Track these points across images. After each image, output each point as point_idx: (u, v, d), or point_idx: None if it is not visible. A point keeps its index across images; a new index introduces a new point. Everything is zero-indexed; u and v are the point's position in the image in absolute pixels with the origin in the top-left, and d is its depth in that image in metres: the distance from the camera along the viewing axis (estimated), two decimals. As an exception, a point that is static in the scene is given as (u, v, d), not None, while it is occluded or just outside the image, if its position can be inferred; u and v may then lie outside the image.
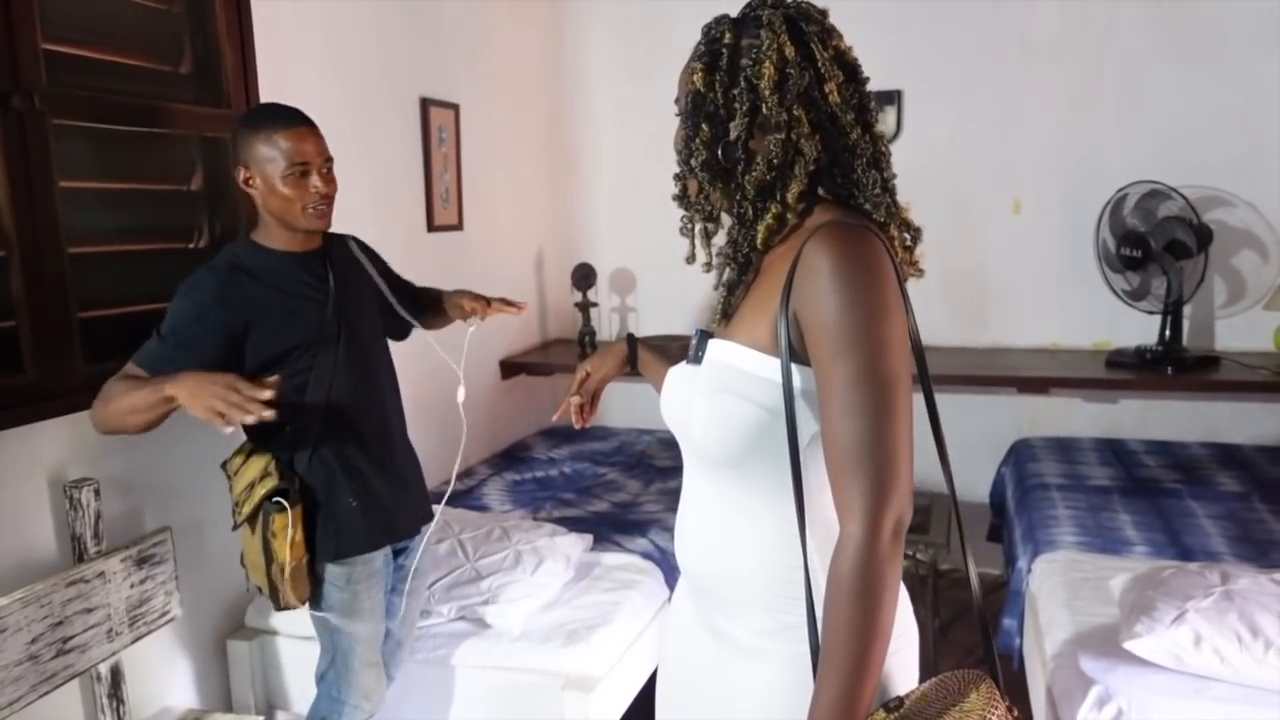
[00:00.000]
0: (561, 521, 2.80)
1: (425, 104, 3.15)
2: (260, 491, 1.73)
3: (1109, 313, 3.54)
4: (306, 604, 1.85)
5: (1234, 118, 3.37)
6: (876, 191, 1.10)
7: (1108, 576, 2.26)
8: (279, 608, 1.82)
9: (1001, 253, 3.68)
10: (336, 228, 2.72)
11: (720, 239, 1.20)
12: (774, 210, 1.08)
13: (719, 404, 1.08)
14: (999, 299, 3.72)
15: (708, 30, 1.11)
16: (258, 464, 1.77)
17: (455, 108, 3.32)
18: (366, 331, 1.93)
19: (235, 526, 1.81)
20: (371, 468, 1.88)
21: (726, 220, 1.18)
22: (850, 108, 1.08)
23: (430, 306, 2.19)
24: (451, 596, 2.29)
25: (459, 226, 3.40)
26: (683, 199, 1.17)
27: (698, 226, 1.17)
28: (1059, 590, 2.34)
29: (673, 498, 3.07)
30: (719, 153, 1.09)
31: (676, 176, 1.16)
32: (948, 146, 3.67)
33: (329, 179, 1.79)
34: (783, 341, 1.03)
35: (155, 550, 2.00)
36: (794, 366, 1.04)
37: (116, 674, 1.96)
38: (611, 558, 2.63)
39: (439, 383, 3.30)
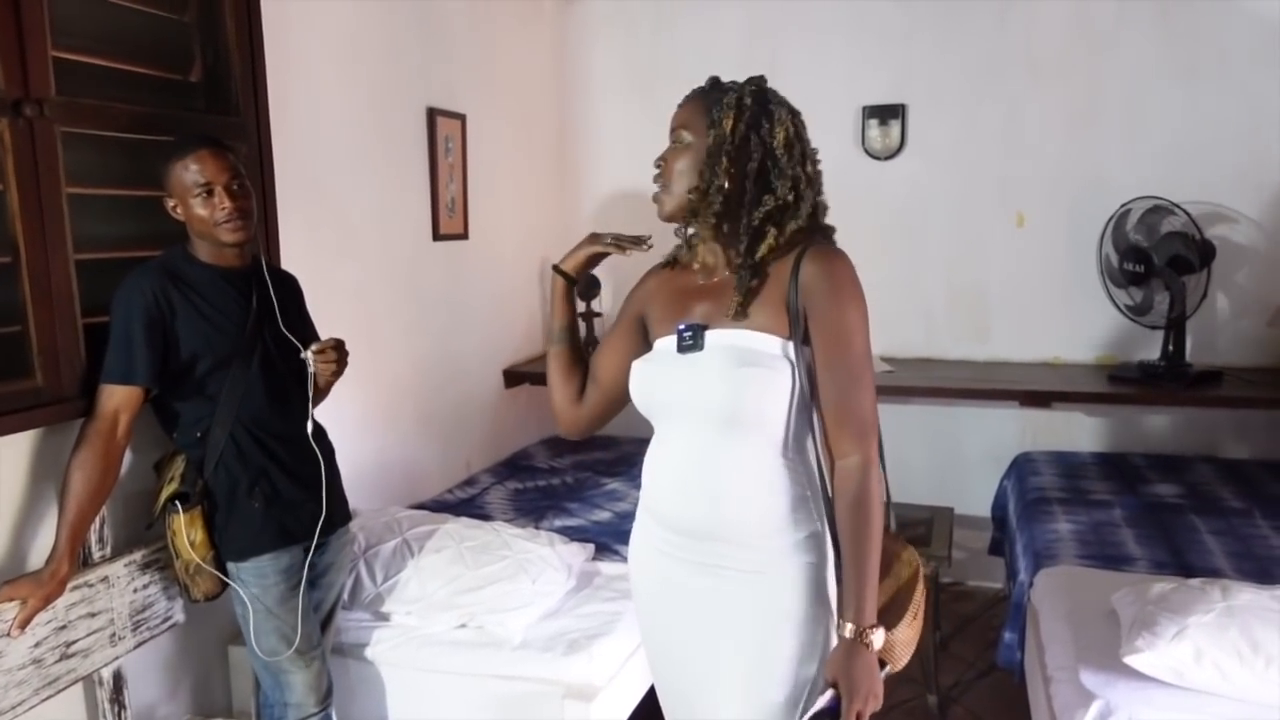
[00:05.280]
0: (563, 530, 2.80)
1: (432, 114, 3.17)
2: (164, 494, 1.90)
3: (1112, 327, 3.54)
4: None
5: (1236, 134, 3.38)
6: (833, 234, 1.49)
7: (1109, 591, 2.26)
8: (190, 600, 1.99)
9: (1005, 267, 3.69)
10: (342, 241, 2.76)
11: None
12: (773, 235, 1.43)
13: (749, 377, 1.38)
14: (1002, 313, 3.73)
15: (731, 90, 1.43)
16: (173, 468, 1.92)
17: (462, 118, 3.34)
18: (282, 350, 2.00)
19: (149, 526, 1.96)
20: (279, 471, 1.98)
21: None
22: (819, 174, 1.49)
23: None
24: (453, 605, 2.30)
25: (464, 236, 3.42)
26: (694, 209, 1.45)
27: (700, 230, 1.48)
28: (1060, 604, 2.34)
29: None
30: (736, 184, 1.41)
31: (694, 190, 1.43)
32: (952, 161, 3.69)
33: (237, 194, 1.88)
34: (799, 328, 1.39)
35: (159, 556, 2.01)
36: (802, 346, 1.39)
37: (119, 679, 1.97)
38: (613, 567, 2.63)
39: (444, 399, 3.32)
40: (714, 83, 1.48)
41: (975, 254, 3.70)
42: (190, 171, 1.84)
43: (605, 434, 4.11)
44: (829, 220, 1.50)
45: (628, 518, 3.02)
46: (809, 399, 1.41)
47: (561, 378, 1.66)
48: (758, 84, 1.46)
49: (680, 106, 1.48)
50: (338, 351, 2.00)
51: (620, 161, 4.08)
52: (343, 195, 2.76)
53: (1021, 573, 2.66)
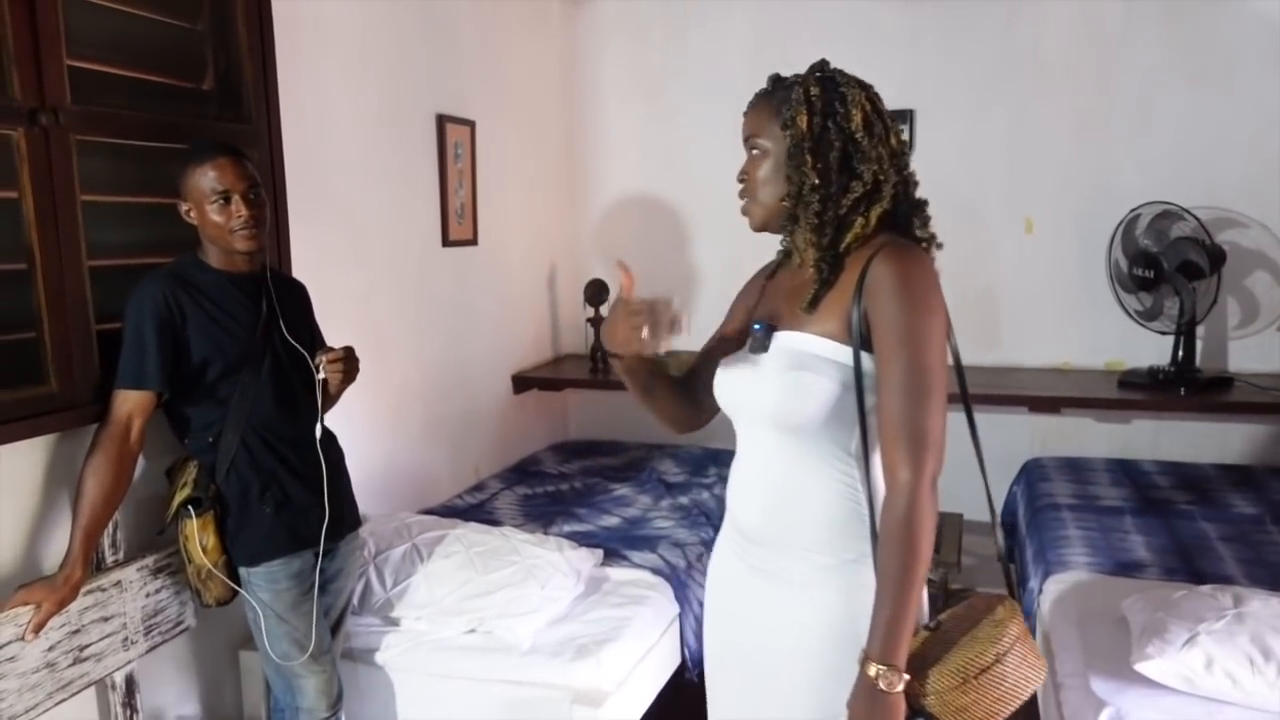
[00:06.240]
0: (572, 536, 2.81)
1: (442, 120, 3.18)
2: (177, 500, 1.90)
3: (1121, 333, 3.53)
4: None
5: (1246, 139, 3.37)
6: (927, 216, 1.41)
7: (1119, 598, 2.25)
8: (202, 605, 2.01)
9: (1013, 272, 3.69)
10: (352, 247, 2.77)
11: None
12: (860, 224, 1.35)
13: (798, 380, 1.32)
14: (1011, 318, 3.72)
15: (795, 85, 1.37)
16: (185, 473, 1.93)
17: (471, 124, 3.35)
18: (291, 355, 2.01)
19: (161, 531, 1.98)
20: (291, 477, 1.99)
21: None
22: (905, 151, 1.40)
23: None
24: (462, 610, 2.30)
25: (473, 241, 3.43)
26: (792, 213, 1.38)
27: (801, 235, 1.40)
28: (1070, 611, 2.33)
29: (683, 513, 3.10)
30: (824, 178, 1.34)
31: (787, 196, 1.37)
32: (960, 166, 3.69)
33: (253, 203, 1.90)
34: (856, 333, 1.31)
35: (171, 560, 2.03)
36: (863, 353, 1.31)
37: (131, 683, 1.98)
38: (621, 573, 2.64)
39: (453, 405, 3.33)
40: (775, 82, 1.42)
41: (984, 259, 3.69)
42: (208, 178, 1.86)
43: (613, 439, 4.14)
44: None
45: (636, 523, 3.04)
46: (867, 410, 1.32)
47: (676, 411, 1.58)
48: (820, 70, 1.39)
49: (746, 115, 1.43)
50: (348, 362, 2.02)
51: (629, 167, 4.08)
52: (353, 201, 2.77)
53: (1031, 579, 2.66)
